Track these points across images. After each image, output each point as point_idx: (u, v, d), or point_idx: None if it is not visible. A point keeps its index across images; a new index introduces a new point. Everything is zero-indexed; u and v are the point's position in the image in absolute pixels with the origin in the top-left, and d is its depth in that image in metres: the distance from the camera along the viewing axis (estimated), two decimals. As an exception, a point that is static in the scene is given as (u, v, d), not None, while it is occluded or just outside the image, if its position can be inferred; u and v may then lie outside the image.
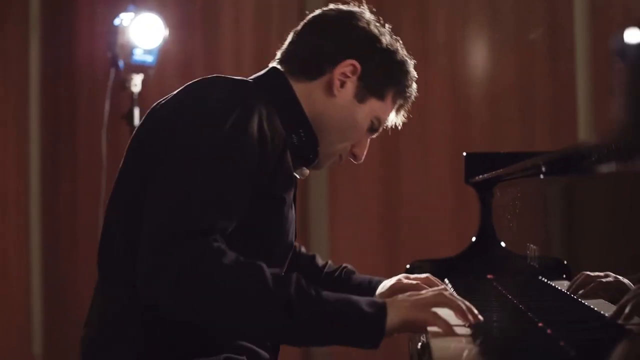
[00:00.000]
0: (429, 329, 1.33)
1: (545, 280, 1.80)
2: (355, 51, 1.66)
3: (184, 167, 1.42)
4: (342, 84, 1.66)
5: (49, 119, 4.47)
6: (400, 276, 1.78)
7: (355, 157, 1.76)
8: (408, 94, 1.75)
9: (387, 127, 1.79)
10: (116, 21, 3.46)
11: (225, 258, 1.32)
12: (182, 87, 1.57)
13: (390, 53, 1.71)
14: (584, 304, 1.46)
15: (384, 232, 4.10)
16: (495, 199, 2.28)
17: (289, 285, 1.32)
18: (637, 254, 1.23)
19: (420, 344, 1.36)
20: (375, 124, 1.72)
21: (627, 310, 1.24)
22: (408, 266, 2.21)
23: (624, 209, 1.23)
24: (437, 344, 1.24)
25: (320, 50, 1.67)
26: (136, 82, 3.49)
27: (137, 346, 1.48)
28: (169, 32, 3.56)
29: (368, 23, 1.70)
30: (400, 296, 1.38)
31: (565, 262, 1.66)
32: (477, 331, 1.28)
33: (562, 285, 1.65)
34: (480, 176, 2.24)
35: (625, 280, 1.29)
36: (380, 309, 1.32)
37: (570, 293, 1.55)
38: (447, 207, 3.98)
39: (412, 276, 1.77)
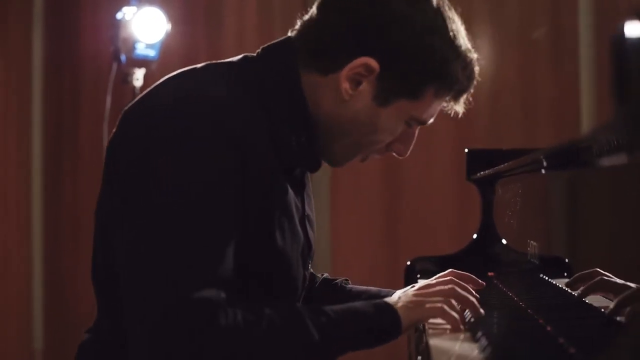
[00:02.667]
0: (428, 328, 1.33)
1: (546, 278, 1.79)
2: (373, 43, 1.30)
3: (155, 221, 1.19)
4: (356, 86, 1.32)
5: (52, 113, 4.47)
6: (420, 284, 1.50)
7: (397, 153, 1.44)
8: (460, 85, 1.37)
9: (451, 114, 1.46)
10: (118, 15, 3.45)
11: (229, 319, 1.17)
12: (153, 95, 1.32)
13: (428, 36, 1.31)
14: (583, 301, 1.45)
15: (385, 229, 4.09)
16: (497, 196, 2.27)
17: (304, 324, 1.23)
18: None
19: (418, 342, 1.35)
20: (414, 123, 1.38)
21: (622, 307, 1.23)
22: (409, 263, 2.20)
23: (628, 205, 1.22)
24: (435, 342, 1.23)
25: (331, 40, 1.33)
26: (138, 77, 3.48)
27: None
28: (172, 26, 3.55)
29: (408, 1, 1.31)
30: (403, 297, 1.34)
31: (567, 260, 1.65)
32: (477, 328, 1.27)
33: (563, 283, 1.64)
34: (482, 172, 2.23)
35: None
36: (394, 318, 1.29)
37: (571, 287, 1.53)
38: (448, 204, 3.97)
39: (434, 280, 1.46)
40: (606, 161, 1.09)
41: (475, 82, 1.41)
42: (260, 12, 4.25)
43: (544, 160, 1.52)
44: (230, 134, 1.23)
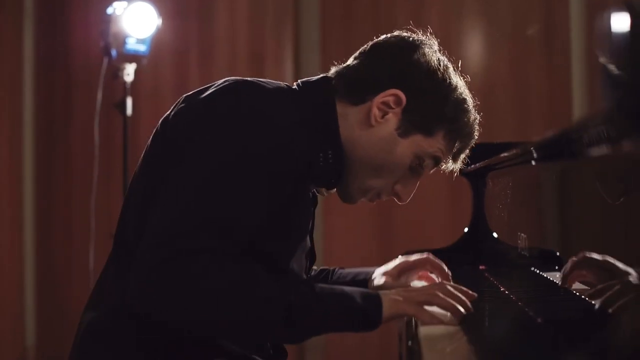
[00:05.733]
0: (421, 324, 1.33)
1: (537, 271, 1.79)
2: (404, 81, 1.54)
3: (195, 179, 1.37)
4: (384, 115, 1.54)
5: (43, 108, 4.46)
6: (400, 259, 1.75)
7: (398, 197, 1.67)
8: (465, 136, 1.61)
9: (444, 171, 1.67)
10: (109, 10, 3.44)
11: (218, 270, 1.31)
12: (218, 83, 1.49)
13: (446, 88, 1.57)
14: (575, 294, 1.45)
15: (377, 222, 4.09)
16: (488, 189, 2.27)
17: (289, 290, 1.33)
18: (632, 244, 1.22)
19: (408, 335, 1.35)
20: (419, 162, 1.60)
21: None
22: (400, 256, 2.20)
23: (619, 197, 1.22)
24: (426, 332, 1.23)
25: (368, 75, 1.57)
26: (129, 72, 3.48)
27: (131, 342, 1.44)
28: (162, 21, 3.55)
29: (428, 54, 1.57)
30: (394, 291, 1.41)
31: (558, 254, 1.65)
32: (467, 321, 1.27)
33: (555, 276, 1.64)
34: (473, 166, 2.23)
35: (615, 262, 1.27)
36: (377, 304, 1.35)
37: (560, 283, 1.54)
38: (440, 198, 3.97)
39: (412, 257, 1.74)
40: (597, 152, 1.09)
41: (473, 142, 1.66)
42: (252, 7, 4.24)
43: (534, 151, 1.52)
44: (284, 137, 1.41)
